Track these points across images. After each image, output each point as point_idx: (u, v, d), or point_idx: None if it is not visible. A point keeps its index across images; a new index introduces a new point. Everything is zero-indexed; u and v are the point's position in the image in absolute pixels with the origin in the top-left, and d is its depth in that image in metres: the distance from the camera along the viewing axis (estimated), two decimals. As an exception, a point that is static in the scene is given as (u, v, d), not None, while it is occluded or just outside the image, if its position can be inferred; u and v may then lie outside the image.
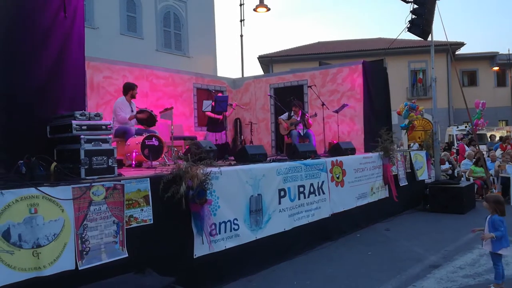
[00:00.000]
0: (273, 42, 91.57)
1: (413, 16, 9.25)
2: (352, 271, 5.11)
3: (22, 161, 3.61)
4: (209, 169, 4.34)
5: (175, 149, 7.42)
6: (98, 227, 3.61)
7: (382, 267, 5.19)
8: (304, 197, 6.01)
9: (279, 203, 5.56)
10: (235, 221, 4.89)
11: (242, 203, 5.01)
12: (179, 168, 4.21)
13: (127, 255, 3.76)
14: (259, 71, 32.48)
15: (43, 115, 4.05)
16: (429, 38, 9.76)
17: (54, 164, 3.63)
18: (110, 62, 8.39)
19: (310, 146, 7.16)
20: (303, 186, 6.01)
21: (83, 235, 3.49)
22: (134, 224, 3.88)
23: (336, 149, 7.65)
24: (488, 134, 21.27)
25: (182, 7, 16.61)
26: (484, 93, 29.78)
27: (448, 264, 5.19)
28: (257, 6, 15.26)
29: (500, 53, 31.79)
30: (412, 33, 9.30)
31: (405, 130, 13.76)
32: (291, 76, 10.35)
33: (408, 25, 9.29)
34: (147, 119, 6.71)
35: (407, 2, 9.41)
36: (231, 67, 77.10)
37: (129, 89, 6.98)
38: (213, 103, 7.52)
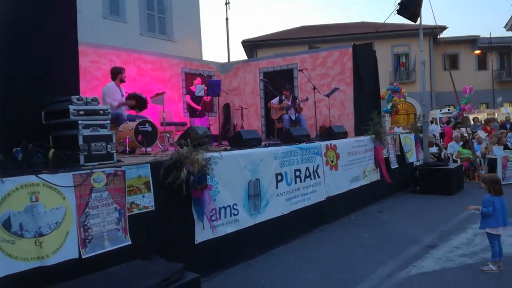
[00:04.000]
0: (256, 26, 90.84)
1: (403, -1, 9.23)
2: (351, 253, 5.15)
3: (17, 148, 3.47)
4: (209, 154, 4.28)
5: (167, 135, 7.31)
6: (100, 214, 3.53)
7: (379, 249, 5.25)
8: (300, 181, 6.01)
9: (277, 187, 5.54)
10: (235, 206, 4.86)
11: (240, 188, 4.97)
12: (179, 153, 4.14)
13: (130, 242, 3.69)
14: (243, 56, 32.20)
15: (37, 100, 3.90)
16: (418, 21, 9.78)
17: (52, 150, 3.51)
18: (97, 46, 8.15)
19: (303, 130, 7.14)
20: (299, 170, 6.00)
21: (85, 223, 3.40)
22: (135, 211, 3.82)
23: (328, 133, 7.67)
24: (471, 117, 21.61)
25: (166, -10, 16.26)
26: (465, 76, 30.15)
27: (444, 244, 5.28)
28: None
29: (481, 36, 32.20)
30: (402, 16, 9.30)
31: (388, 114, 13.87)
32: (280, 60, 10.26)
33: (398, 8, 9.28)
34: (136, 104, 6.57)
35: (397, -15, 9.38)
36: (216, 52, 76.24)
37: (117, 73, 6.81)
38: (205, 88, 7.41)
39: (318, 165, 6.40)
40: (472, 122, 21.20)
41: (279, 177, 5.60)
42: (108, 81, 7.30)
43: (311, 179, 6.24)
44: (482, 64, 33.38)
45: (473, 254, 4.88)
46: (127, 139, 5.77)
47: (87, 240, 3.41)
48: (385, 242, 5.51)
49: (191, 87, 8.57)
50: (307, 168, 6.17)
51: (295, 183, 5.90)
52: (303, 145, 6.26)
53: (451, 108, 25.94)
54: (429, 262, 4.67)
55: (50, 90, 3.94)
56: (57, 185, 3.22)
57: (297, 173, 5.96)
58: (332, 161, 6.79)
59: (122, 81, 6.89)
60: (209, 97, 8.64)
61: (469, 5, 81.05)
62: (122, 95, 6.78)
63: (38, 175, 3.13)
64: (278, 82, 9.08)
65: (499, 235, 4.28)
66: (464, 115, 20.58)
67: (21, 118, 3.85)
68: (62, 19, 4.01)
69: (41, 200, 3.12)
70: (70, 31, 4.08)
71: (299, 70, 9.33)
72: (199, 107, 8.46)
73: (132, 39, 14.16)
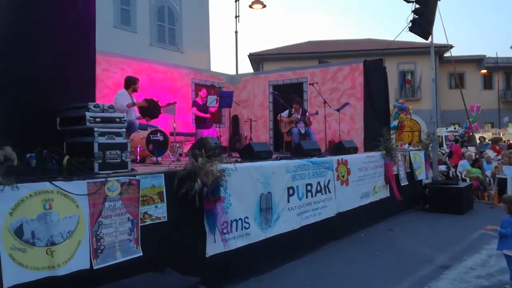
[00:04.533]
0: (262, 40, 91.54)
1: (415, 16, 9.24)
2: (363, 271, 5.03)
3: (32, 154, 3.42)
4: (224, 166, 4.21)
5: (177, 145, 7.26)
6: (113, 224, 3.45)
7: (392, 267, 5.14)
8: (312, 196, 5.92)
9: (288, 201, 5.45)
10: (246, 220, 4.77)
11: (252, 201, 4.89)
12: (193, 164, 4.07)
13: (141, 254, 3.61)
14: (249, 69, 32.33)
15: (53, 106, 3.86)
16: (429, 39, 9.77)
17: (67, 157, 3.45)
18: (108, 54, 8.14)
19: (314, 144, 7.07)
20: (311, 185, 5.92)
21: (98, 233, 3.32)
22: (148, 222, 3.74)
23: (339, 148, 7.58)
24: (477, 136, 21.52)
25: (176, 2, 16.36)
26: (471, 95, 30.12)
27: (458, 265, 5.16)
28: (252, 3, 15.15)
29: (487, 56, 32.26)
30: (414, 33, 9.28)
31: (394, 131, 13.85)
32: (290, 74, 10.24)
33: (410, 25, 9.27)
34: (148, 108, 6.50)
35: (409, 2, 9.39)
36: (223, 64, 76.76)
37: (131, 83, 6.79)
38: (218, 98, 7.37)
39: (329, 180, 6.32)
40: (478, 141, 21.14)
41: (291, 191, 5.51)
42: (118, 89, 7.28)
43: (322, 194, 6.15)
44: (487, 83, 33.39)
45: (489, 276, 4.76)
46: (138, 148, 5.71)
47: (99, 250, 3.32)
48: (398, 261, 5.40)
49: (196, 99, 8.55)
50: (318, 183, 6.09)
51: (306, 197, 5.81)
52: (315, 159, 6.18)
53: (457, 126, 25.90)
54: (444, 283, 4.55)
55: (66, 96, 3.89)
56: (71, 193, 3.15)
57: (309, 187, 5.87)
58: (343, 176, 6.70)
59: (135, 91, 6.88)
60: (215, 108, 8.63)
61: (475, 25, 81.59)
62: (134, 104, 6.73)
63: (53, 182, 3.06)
64: (287, 95, 9.05)
65: (517, 257, 4.17)
66: (471, 133, 20.55)
67: (36, 124, 3.80)
68: (80, 25, 3.97)
69: (55, 208, 3.05)
70: (88, 37, 4.05)
71: (310, 84, 9.30)
72: (208, 115, 8.41)
73: (141, 49, 14.20)
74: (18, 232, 2.87)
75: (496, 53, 32.46)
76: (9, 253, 2.80)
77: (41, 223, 2.97)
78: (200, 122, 8.46)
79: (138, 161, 5.71)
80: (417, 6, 9.14)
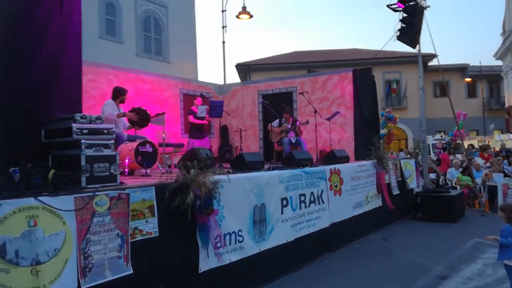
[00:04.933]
0: (250, 50, 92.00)
1: (402, 25, 9.28)
2: (361, 284, 4.92)
3: (15, 168, 3.23)
4: (217, 177, 4.07)
5: (167, 156, 7.10)
6: (102, 240, 3.27)
7: (390, 279, 5.03)
8: (305, 206, 5.80)
9: (282, 212, 5.32)
10: (240, 233, 4.62)
11: (246, 213, 4.75)
12: (185, 176, 3.92)
13: (132, 271, 3.43)
14: (236, 79, 32.30)
15: (37, 117, 3.68)
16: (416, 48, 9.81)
17: (53, 171, 3.27)
18: (95, 64, 7.97)
19: (306, 154, 6.96)
20: (304, 195, 5.80)
21: (85, 250, 3.15)
22: (139, 237, 3.57)
23: (330, 157, 7.50)
24: (466, 144, 21.74)
25: (163, 12, 16.27)
26: (455, 103, 30.38)
27: (456, 275, 5.07)
28: (239, 13, 15.11)
29: (471, 65, 32.81)
30: (402, 41, 9.32)
31: (383, 140, 13.83)
32: (279, 83, 10.18)
33: (397, 34, 9.31)
34: (139, 120, 6.33)
35: (396, 11, 9.44)
36: (211, 74, 76.59)
37: (119, 94, 6.61)
38: (208, 108, 7.24)
39: (322, 190, 6.21)
40: (465, 149, 21.33)
41: (284, 202, 5.39)
42: (105, 101, 7.10)
43: (315, 204, 6.03)
44: (472, 91, 33.92)
45: (487, 286, 4.69)
46: (127, 160, 5.54)
47: (87, 269, 3.14)
48: (395, 272, 5.29)
49: (192, 107, 8.38)
50: (312, 193, 5.98)
51: (300, 208, 5.69)
52: (308, 169, 6.08)
53: (443, 134, 26.16)
54: (444, 294, 4.46)
55: (51, 107, 3.72)
56: (57, 209, 2.97)
57: (302, 198, 5.76)
58: (336, 186, 6.60)
59: (122, 102, 6.70)
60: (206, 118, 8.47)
61: (458, 34, 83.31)
62: (121, 115, 6.55)
63: (38, 198, 2.89)
64: (277, 105, 8.97)
65: (518, 267, 4.09)
66: (457, 141, 20.75)
67: (19, 136, 3.61)
68: (67, 35, 3.82)
69: (40, 225, 2.87)
70: (74, 45, 3.90)
71: (300, 93, 9.24)
72: (205, 122, 8.24)
73: (128, 59, 14.05)
74: (1, 251, 2.68)
75: (480, 62, 33.08)
76: (-9, 275, 2.61)
77: (26, 241, 2.79)
78: (195, 131, 8.26)
79: (126, 173, 5.54)
80: (405, 15, 9.19)
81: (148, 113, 6.36)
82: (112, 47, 14.25)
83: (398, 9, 9.19)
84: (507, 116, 25.82)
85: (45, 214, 2.91)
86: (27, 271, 2.78)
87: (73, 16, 3.94)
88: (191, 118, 8.10)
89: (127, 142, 6.02)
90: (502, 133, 25.61)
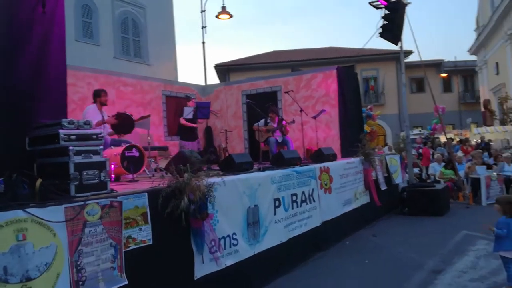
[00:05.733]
0: (228, 51, 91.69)
1: (385, 22, 9.32)
2: (356, 282, 4.87)
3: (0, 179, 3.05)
4: (211, 180, 3.96)
5: (152, 160, 6.93)
6: (94, 252, 3.12)
7: (385, 276, 5.01)
8: (297, 206, 5.74)
9: (275, 213, 5.25)
10: (234, 236, 4.52)
11: (240, 216, 4.65)
12: (178, 180, 3.79)
13: (126, 282, 3.29)
14: (216, 80, 32.09)
15: (21, 124, 3.50)
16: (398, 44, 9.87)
17: (40, 180, 3.10)
18: (74, 68, 7.69)
19: (294, 153, 6.90)
20: (296, 195, 5.74)
21: (78, 263, 2.99)
22: (132, 246, 3.43)
23: (318, 155, 7.46)
24: (442, 138, 22.11)
25: (140, 13, 15.99)
26: (431, 99, 31.06)
27: (450, 269, 5.09)
28: (219, 13, 14.97)
29: (446, 60, 33.45)
30: (384, 38, 9.36)
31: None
32: (263, 83, 10.11)
33: (380, 31, 9.35)
34: (120, 123, 6.16)
35: (378, 8, 9.48)
36: (190, 75, 75.95)
37: (96, 96, 6.41)
38: (194, 110, 7.09)
39: (313, 189, 6.17)
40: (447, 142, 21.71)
41: (277, 203, 5.31)
42: (86, 105, 6.90)
43: (307, 203, 5.98)
44: (447, 86, 34.59)
45: (482, 278, 4.70)
46: (112, 166, 5.36)
47: (80, 282, 2.99)
48: (388, 269, 5.28)
49: (185, 108, 8.20)
50: (303, 192, 5.92)
51: (292, 208, 5.62)
52: (298, 168, 6.02)
53: (421, 129, 26.58)
54: (441, 289, 4.45)
55: (35, 113, 3.55)
56: (47, 220, 2.81)
57: (294, 197, 5.70)
58: (326, 184, 6.57)
59: (103, 104, 6.49)
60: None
61: (433, 30, 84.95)
62: (103, 119, 6.36)
63: (26, 209, 2.72)
64: (262, 105, 8.88)
65: (513, 258, 4.11)
66: (436, 135, 21.09)
67: (2, 144, 3.42)
68: (49, 34, 3.64)
69: (29, 239, 2.70)
70: (58, 47, 3.73)
71: (285, 92, 9.18)
72: (196, 125, 8.10)
73: (106, 62, 13.74)
74: (-12, 269, 2.52)
75: (455, 57, 33.78)
76: (-21, 294, 2.45)
77: (15, 257, 2.62)
78: (187, 134, 8.10)
79: (112, 180, 5.35)
80: (387, 12, 9.23)
81: (133, 118, 6.20)
82: (90, 50, 13.92)
83: (380, 6, 9.23)
84: (483, 110, 26.41)
85: (34, 226, 2.74)
86: (17, 288, 2.62)
87: (56, 18, 3.76)
88: (182, 120, 7.94)
89: (112, 147, 5.83)
90: (478, 126, 26.19)
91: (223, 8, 14.71)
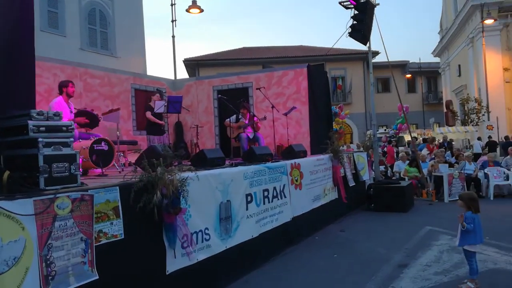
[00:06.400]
0: (198, 46, 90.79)
1: (354, 22, 9.50)
2: (325, 276, 4.97)
3: (-37, 171, 2.93)
4: (185, 175, 3.93)
5: (121, 154, 6.81)
6: (64, 246, 3.05)
7: (353, 270, 5.13)
8: (269, 202, 5.78)
9: (247, 209, 5.27)
10: (206, 231, 4.51)
11: (212, 211, 4.64)
12: (150, 174, 3.75)
13: (97, 277, 3.23)
14: (185, 74, 31.76)
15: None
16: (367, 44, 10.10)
17: (7, 173, 2.99)
18: (40, 58, 7.34)
19: (266, 149, 6.95)
20: (267, 190, 5.78)
21: (47, 257, 2.91)
22: (103, 241, 3.36)
23: (289, 152, 7.55)
24: (406, 137, 22.75)
25: (108, 5, 15.59)
26: (397, 98, 31.90)
27: (414, 263, 5.26)
28: (189, 7, 14.79)
29: (411, 61, 34.44)
30: (353, 38, 9.55)
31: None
32: (235, 78, 10.10)
33: (349, 30, 9.53)
34: (88, 122, 6.07)
35: (347, 8, 9.66)
36: (159, 70, 74.75)
37: (62, 87, 6.22)
38: (165, 104, 7.00)
39: (284, 185, 6.23)
40: (407, 142, 22.37)
41: (249, 198, 5.34)
42: (52, 97, 6.71)
43: (278, 199, 6.04)
44: (411, 87, 35.67)
45: (445, 272, 4.89)
46: (80, 159, 5.22)
47: (49, 277, 2.91)
48: (357, 263, 5.41)
49: (150, 103, 8.08)
50: (274, 188, 5.97)
51: (264, 203, 5.66)
52: (270, 164, 6.06)
53: (385, 128, 27.25)
54: (407, 282, 4.60)
55: (2, 103, 3.41)
56: (15, 213, 2.72)
57: (265, 193, 5.74)
58: (296, 180, 6.64)
59: (70, 96, 6.30)
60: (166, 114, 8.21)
61: (399, 32, 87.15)
62: (71, 112, 6.19)
63: (-7, 203, 2.62)
64: (233, 101, 8.88)
65: (475, 252, 4.30)
66: (400, 134, 21.66)
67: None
68: (18, 22, 3.51)
69: (-3, 232, 2.61)
70: (27, 36, 3.60)
71: (257, 89, 9.21)
72: (162, 123, 8.01)
73: (72, 53, 13.29)
74: (-48, 263, 2.42)
75: (419, 59, 34.81)
76: None
77: (-19, 251, 2.53)
78: (153, 128, 7.99)
79: (80, 173, 5.23)
80: (356, 12, 9.41)
81: (95, 115, 6.09)
82: (55, 41, 13.44)
83: (350, 6, 9.40)
84: (445, 110, 27.37)
85: (2, 220, 2.65)
86: (-17, 283, 2.53)
87: (25, 5, 3.63)
88: (148, 115, 7.82)
89: (80, 140, 5.69)
90: (440, 126, 27.14)
91: (194, 2, 14.56)
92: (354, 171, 9.34)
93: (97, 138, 5.54)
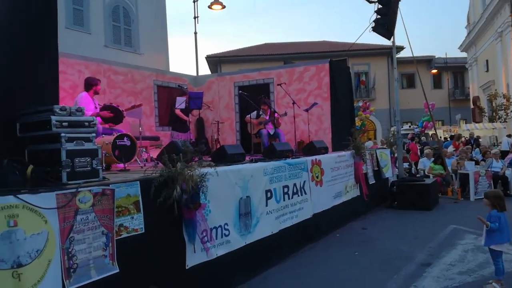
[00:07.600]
0: (220, 42, 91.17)
1: (378, 16, 9.33)
2: (346, 273, 4.91)
3: (-12, 165, 3.01)
4: (204, 170, 3.94)
5: (144, 150, 6.88)
6: (86, 239, 3.10)
7: (374, 268, 5.05)
8: (289, 198, 5.75)
9: (266, 205, 5.26)
10: (226, 226, 4.52)
11: (231, 206, 4.65)
12: (171, 169, 3.77)
13: (118, 270, 3.28)
14: (207, 71, 31.93)
15: (11, 110, 3.44)
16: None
17: (31, 167, 3.06)
18: (64, 55, 7.55)
19: (286, 145, 6.92)
20: (287, 187, 5.76)
21: (69, 250, 2.97)
22: (124, 234, 3.41)
23: (310, 148, 7.48)
24: (430, 133, 22.30)
25: (132, 2, 15.79)
26: (422, 94, 31.27)
27: (438, 262, 5.15)
28: (212, 3, 14.83)
29: (436, 56, 33.65)
30: (377, 33, 9.39)
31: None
32: (256, 74, 10.07)
33: (373, 25, 9.36)
34: (114, 116, 6.14)
35: (371, 2, 9.49)
36: (181, 66, 75.41)
37: (91, 85, 6.34)
38: (187, 100, 7.04)
39: (304, 181, 6.18)
40: (431, 139, 21.94)
41: (269, 194, 5.32)
42: (76, 93, 6.82)
43: (298, 195, 6.00)
44: (437, 83, 34.85)
45: (470, 271, 4.77)
46: (103, 154, 5.31)
47: (71, 270, 2.97)
48: (378, 261, 5.33)
49: (178, 97, 8.11)
50: (295, 185, 5.93)
51: (284, 200, 5.64)
52: (290, 160, 6.03)
53: (410, 124, 26.78)
54: (429, 281, 4.50)
55: (26, 98, 3.48)
56: (38, 207, 2.78)
57: (285, 189, 5.71)
58: (317, 177, 6.59)
59: (96, 93, 6.43)
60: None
61: (424, 26, 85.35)
62: (96, 107, 6.30)
63: (17, 196, 2.69)
64: (254, 97, 8.86)
65: (502, 252, 4.18)
66: (425, 131, 21.24)
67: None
68: (42, 19, 3.58)
69: (21, 225, 2.67)
70: (50, 33, 3.67)
71: (278, 84, 9.15)
72: (187, 118, 8.07)
73: (96, 50, 13.53)
74: (-22, 255, 2.49)
75: (446, 54, 33.98)
76: (-31, 280, 2.42)
77: (6, 243, 2.59)
78: (179, 124, 8.05)
79: (103, 168, 5.31)
80: (380, 6, 9.24)
81: (121, 110, 6.16)
82: (80, 38, 13.70)
83: (373, 0, 9.23)
84: (472, 107, 26.68)
85: (25, 213, 2.72)
86: (7, 274, 2.59)
87: (50, 2, 3.70)
88: (178, 111, 7.88)
89: (103, 135, 5.78)
90: (467, 123, 26.48)
91: (216, -2, 14.58)
92: (377, 168, 9.20)
93: (119, 133, 5.61)
